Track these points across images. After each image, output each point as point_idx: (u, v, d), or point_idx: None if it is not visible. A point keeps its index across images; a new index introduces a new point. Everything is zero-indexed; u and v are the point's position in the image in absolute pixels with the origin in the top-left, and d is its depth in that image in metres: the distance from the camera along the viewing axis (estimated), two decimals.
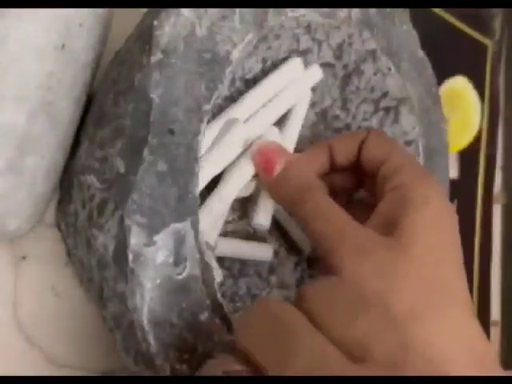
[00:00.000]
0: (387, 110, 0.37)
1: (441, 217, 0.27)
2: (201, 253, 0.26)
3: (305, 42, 0.34)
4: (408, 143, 0.37)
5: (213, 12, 0.27)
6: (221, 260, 0.34)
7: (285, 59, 0.34)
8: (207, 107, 0.27)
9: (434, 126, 0.38)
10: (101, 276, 0.26)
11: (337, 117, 0.37)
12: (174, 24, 0.26)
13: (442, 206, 0.28)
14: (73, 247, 0.29)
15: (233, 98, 0.33)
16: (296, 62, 0.34)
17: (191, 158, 0.26)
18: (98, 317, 0.28)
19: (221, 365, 0.21)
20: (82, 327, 0.31)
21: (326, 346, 0.20)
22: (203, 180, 0.29)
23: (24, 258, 0.30)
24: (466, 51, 0.57)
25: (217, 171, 0.30)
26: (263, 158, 0.30)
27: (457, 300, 0.26)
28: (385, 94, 0.36)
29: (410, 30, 0.37)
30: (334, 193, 0.32)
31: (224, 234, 0.34)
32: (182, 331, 0.25)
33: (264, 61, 0.34)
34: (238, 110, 0.31)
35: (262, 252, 0.35)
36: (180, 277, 0.26)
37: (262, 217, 0.32)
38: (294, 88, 0.34)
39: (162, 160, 0.26)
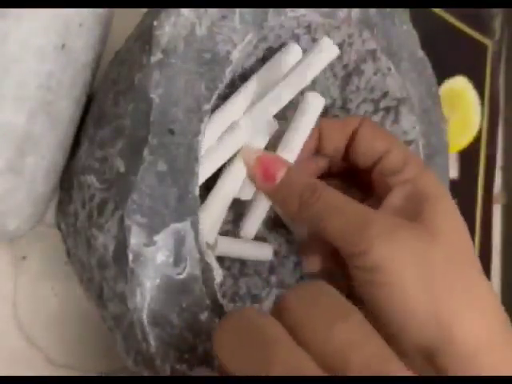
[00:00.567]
0: (387, 109, 0.37)
1: (455, 206, 0.29)
2: (201, 253, 0.26)
3: (305, 42, 0.34)
4: (408, 143, 0.37)
5: (213, 12, 0.27)
6: (221, 260, 0.34)
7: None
8: (207, 107, 0.27)
9: (434, 125, 0.38)
10: (101, 276, 0.26)
11: (337, 117, 0.37)
12: (174, 24, 0.26)
13: (451, 198, 0.30)
14: (73, 247, 0.29)
15: None
16: (295, 49, 0.33)
17: (191, 157, 0.26)
18: (97, 317, 0.28)
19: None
20: (81, 327, 0.31)
21: (302, 360, 0.19)
22: (202, 178, 0.29)
23: (24, 258, 0.30)
24: (466, 51, 0.57)
25: (214, 170, 0.30)
26: (262, 166, 0.30)
27: (481, 276, 0.28)
28: (385, 94, 0.36)
29: (410, 29, 0.37)
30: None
31: (224, 233, 0.34)
32: (182, 331, 0.25)
33: (264, 61, 0.34)
34: (238, 102, 0.31)
35: (262, 252, 0.35)
36: (180, 277, 0.26)
37: (247, 229, 0.33)
38: (300, 70, 0.31)
39: (162, 160, 0.26)
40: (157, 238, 0.25)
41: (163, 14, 0.26)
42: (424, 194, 0.29)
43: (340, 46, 0.35)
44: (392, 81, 0.36)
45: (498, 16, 0.60)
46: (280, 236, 0.37)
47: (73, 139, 0.29)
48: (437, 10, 0.53)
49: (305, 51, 0.34)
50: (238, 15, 0.28)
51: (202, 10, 0.27)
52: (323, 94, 0.33)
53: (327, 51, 0.31)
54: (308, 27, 0.33)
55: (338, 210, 0.28)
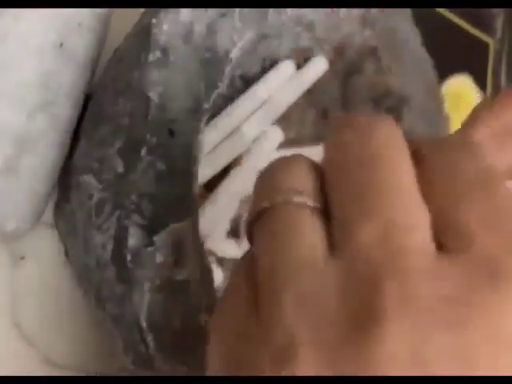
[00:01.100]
0: (388, 109, 0.37)
1: None
2: (200, 253, 0.26)
3: (305, 40, 0.34)
4: None
5: (212, 10, 0.27)
6: (220, 260, 0.34)
7: (285, 58, 0.34)
8: (206, 106, 0.27)
9: (436, 124, 0.38)
10: (99, 276, 0.26)
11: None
12: (173, 22, 0.26)
13: None
14: (71, 247, 0.29)
15: (232, 98, 0.33)
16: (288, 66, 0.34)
17: (190, 157, 0.26)
18: (96, 317, 0.28)
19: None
20: (80, 327, 0.31)
21: (417, 208, 0.17)
22: (202, 179, 0.29)
23: (22, 258, 0.30)
24: (468, 50, 0.57)
25: (215, 172, 0.30)
26: None
27: None
28: (386, 93, 0.36)
29: (412, 28, 0.37)
30: None
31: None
32: (180, 332, 0.25)
33: (264, 60, 0.34)
34: (237, 111, 0.31)
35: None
36: (179, 277, 0.25)
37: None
38: (295, 82, 0.33)
39: (160, 160, 0.25)
40: (156, 238, 0.25)
41: (162, 12, 0.26)
42: None
43: (340, 44, 0.35)
44: (393, 80, 0.36)
45: (499, 14, 0.60)
46: None
47: (71, 138, 0.29)
48: (438, 9, 0.52)
49: (305, 50, 0.34)
50: (238, 13, 0.28)
51: (201, 9, 0.27)
52: (323, 94, 0.33)
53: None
54: (308, 26, 0.33)
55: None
